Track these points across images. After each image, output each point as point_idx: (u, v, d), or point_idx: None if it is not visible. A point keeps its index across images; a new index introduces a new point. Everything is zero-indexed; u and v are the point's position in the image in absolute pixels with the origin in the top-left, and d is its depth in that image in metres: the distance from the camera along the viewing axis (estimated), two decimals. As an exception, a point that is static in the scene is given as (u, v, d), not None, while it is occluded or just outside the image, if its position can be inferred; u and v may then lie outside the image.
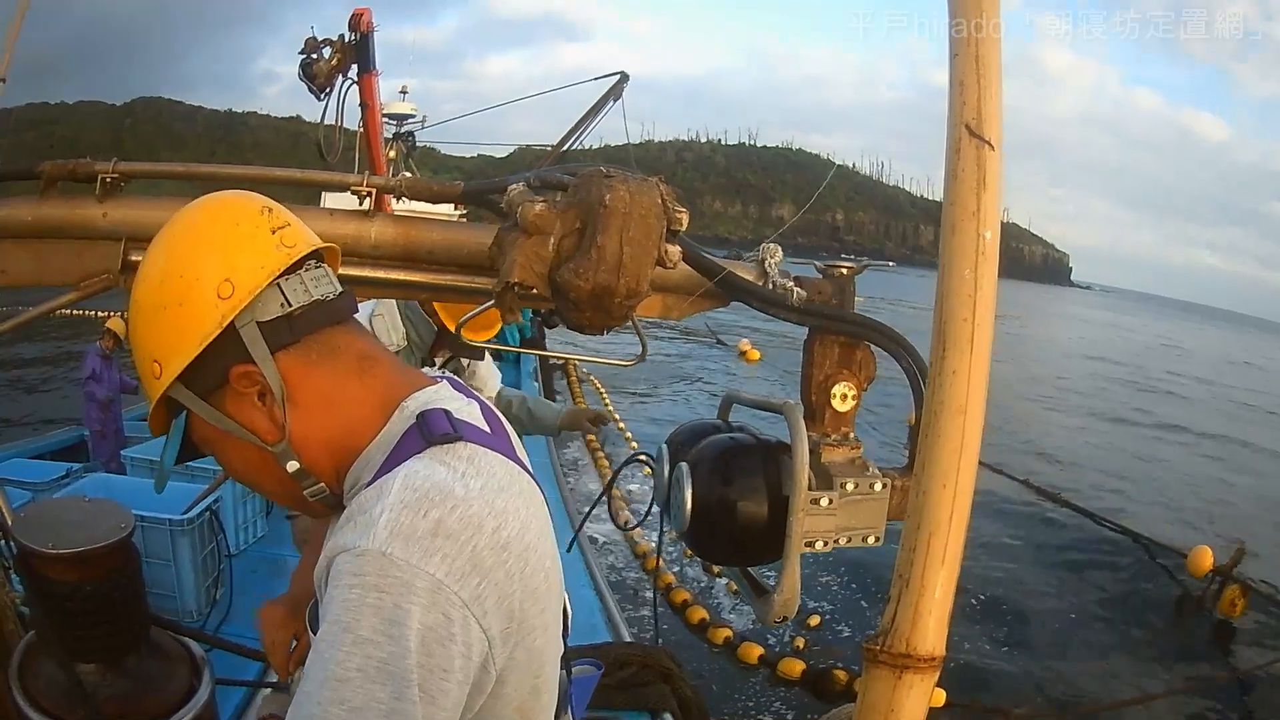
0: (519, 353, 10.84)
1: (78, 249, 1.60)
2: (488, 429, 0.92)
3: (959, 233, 1.15)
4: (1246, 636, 7.67)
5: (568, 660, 1.05)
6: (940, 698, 5.36)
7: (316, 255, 0.95)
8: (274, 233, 0.90)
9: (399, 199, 1.61)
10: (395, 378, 0.94)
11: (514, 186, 1.38)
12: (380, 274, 1.59)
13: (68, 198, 1.63)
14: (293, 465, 0.90)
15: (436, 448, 0.83)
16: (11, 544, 1.87)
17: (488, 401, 1.02)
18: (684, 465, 1.66)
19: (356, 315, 0.98)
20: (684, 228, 1.37)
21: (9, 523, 1.83)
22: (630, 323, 1.44)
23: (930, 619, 1.13)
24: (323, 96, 5.74)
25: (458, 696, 0.75)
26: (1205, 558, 7.99)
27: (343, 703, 0.70)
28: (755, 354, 21.52)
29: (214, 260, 0.87)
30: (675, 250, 1.36)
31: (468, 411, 0.93)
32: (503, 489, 0.82)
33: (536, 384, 10.64)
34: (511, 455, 0.90)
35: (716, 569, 7.21)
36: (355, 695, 0.70)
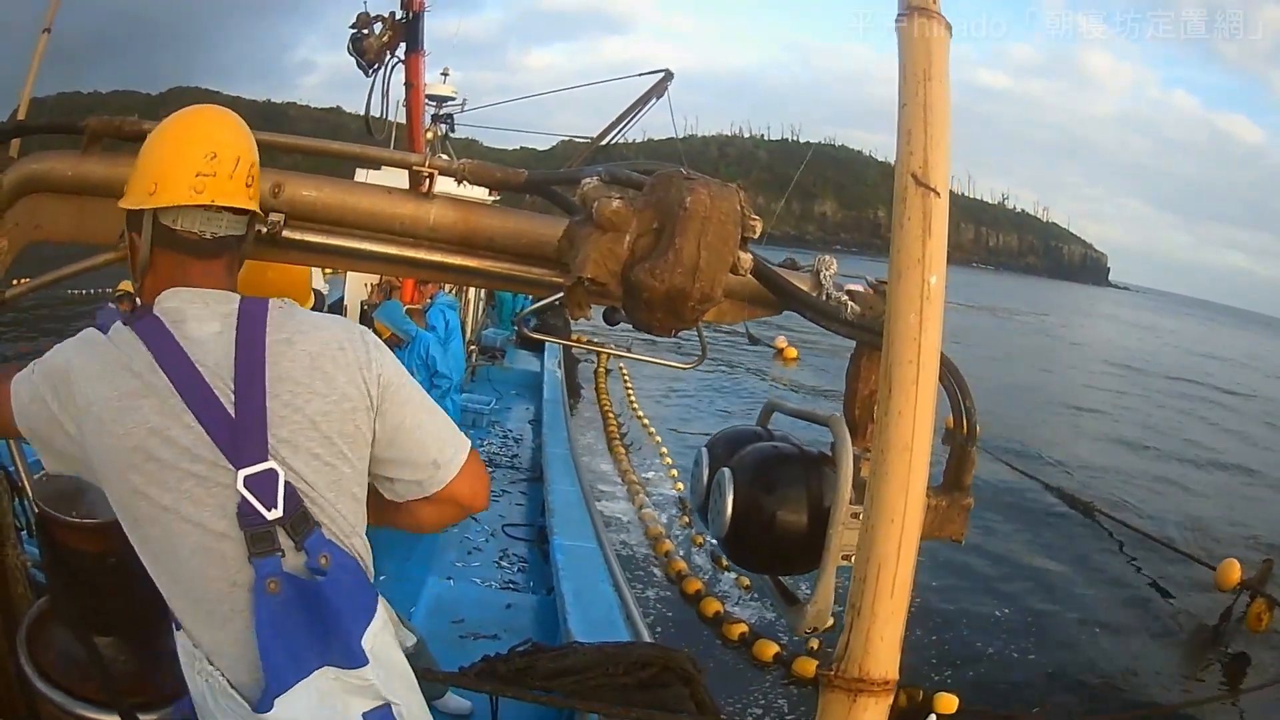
0: (565, 345, 10.58)
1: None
2: (173, 334, 1.24)
3: (904, 279, 1.15)
4: (1271, 651, 7.63)
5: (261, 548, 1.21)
6: (952, 704, 5.37)
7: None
8: (197, 176, 1.27)
9: (460, 183, 1.57)
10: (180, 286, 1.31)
11: (588, 180, 1.34)
12: (437, 257, 1.56)
13: (111, 155, 1.57)
14: (137, 298, 1.37)
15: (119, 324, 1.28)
16: (29, 506, 1.81)
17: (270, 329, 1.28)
18: (726, 471, 1.63)
19: (223, 255, 1.33)
20: (757, 235, 1.34)
21: (28, 486, 1.77)
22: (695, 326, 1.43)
23: (881, 645, 1.16)
24: (370, 72, 5.76)
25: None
26: (1233, 571, 7.90)
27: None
28: (793, 352, 20.41)
29: (161, 163, 1.28)
30: (747, 258, 1.33)
31: (186, 317, 1.26)
32: (96, 356, 1.24)
33: (560, 373, 10.41)
34: (166, 357, 1.22)
35: (746, 581, 7.16)
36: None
